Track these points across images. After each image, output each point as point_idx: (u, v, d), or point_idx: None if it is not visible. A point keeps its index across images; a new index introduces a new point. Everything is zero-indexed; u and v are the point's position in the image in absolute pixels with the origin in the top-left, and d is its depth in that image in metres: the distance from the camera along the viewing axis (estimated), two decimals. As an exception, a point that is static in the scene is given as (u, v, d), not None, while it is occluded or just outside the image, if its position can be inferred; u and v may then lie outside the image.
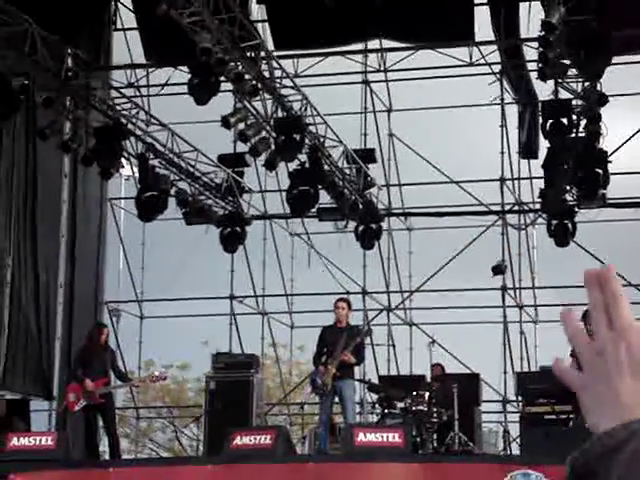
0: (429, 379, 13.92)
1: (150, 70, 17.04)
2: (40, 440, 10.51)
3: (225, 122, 13.67)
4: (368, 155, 16.44)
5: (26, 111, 14.62)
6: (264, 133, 14.27)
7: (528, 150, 16.91)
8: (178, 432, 20.76)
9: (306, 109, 14.51)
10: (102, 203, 17.99)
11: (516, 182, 17.68)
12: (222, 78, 12.91)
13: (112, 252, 18.59)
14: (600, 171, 14.04)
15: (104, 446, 12.87)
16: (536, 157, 16.77)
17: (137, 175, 15.44)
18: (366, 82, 18.00)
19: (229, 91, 14.10)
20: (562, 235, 15.19)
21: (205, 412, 14.41)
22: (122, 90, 15.87)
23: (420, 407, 12.70)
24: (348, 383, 11.50)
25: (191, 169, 15.58)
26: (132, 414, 20.53)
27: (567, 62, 13.24)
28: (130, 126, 14.71)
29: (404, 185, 18.70)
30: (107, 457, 12.35)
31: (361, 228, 16.53)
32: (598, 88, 13.60)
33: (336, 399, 11.63)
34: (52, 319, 16.18)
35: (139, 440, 21.86)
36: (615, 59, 14.06)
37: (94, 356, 12.04)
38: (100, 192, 17.74)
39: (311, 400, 18.84)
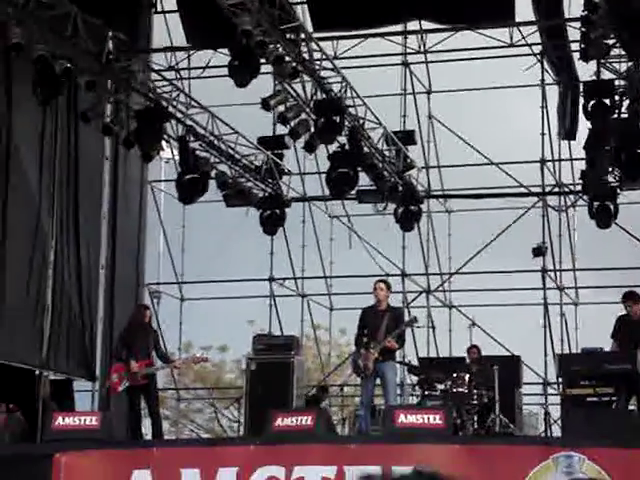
0: (468, 362, 13.92)
1: (190, 53, 17.09)
2: (84, 420, 10.60)
3: (265, 104, 13.69)
4: (407, 137, 16.41)
5: (68, 94, 14.73)
6: (304, 115, 14.27)
7: (568, 132, 16.80)
8: (218, 413, 20.89)
9: (345, 91, 14.49)
10: (143, 186, 18.08)
11: (557, 163, 17.58)
12: (262, 60, 12.92)
13: (152, 234, 18.71)
14: (643, 152, 13.92)
15: (146, 427, 12.96)
16: (574, 138, 16.67)
17: (177, 158, 15.50)
18: (405, 64, 17.95)
19: (269, 73, 14.10)
20: (604, 217, 15.09)
21: (246, 393, 14.47)
22: (162, 73, 15.92)
23: (460, 389, 12.71)
24: (390, 365, 11.50)
25: (231, 151, 15.64)
26: (172, 395, 20.67)
27: (610, 42, 13.10)
28: (170, 109, 14.77)
29: (443, 167, 18.65)
30: (149, 437, 12.45)
31: (400, 210, 16.51)
32: (641, 68, 13.48)
33: (377, 381, 11.64)
34: (94, 300, 16.31)
35: (179, 421, 22.02)
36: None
37: (137, 337, 12.12)
38: (141, 175, 17.83)
39: (351, 382, 18.92)
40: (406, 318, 12.22)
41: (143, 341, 12.06)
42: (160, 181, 19.09)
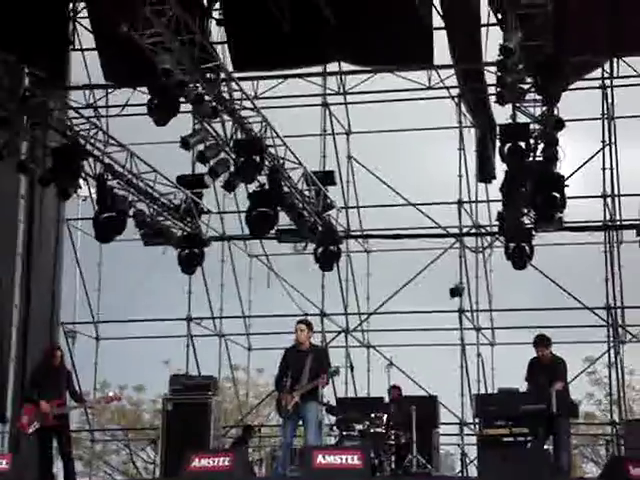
0: (387, 401, 13.94)
1: (109, 91, 16.98)
2: (-7, 463, 10.37)
3: (184, 143, 13.64)
4: (327, 177, 16.46)
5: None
6: (223, 154, 14.26)
7: (486, 174, 17.06)
8: (133, 455, 20.58)
9: (266, 131, 14.51)
10: (59, 224, 17.84)
11: (474, 205, 17.80)
12: (182, 99, 12.88)
13: (69, 273, 18.45)
14: (557, 195, 14.17)
15: (58, 469, 12.69)
16: (490, 181, 16.96)
17: (95, 196, 15.32)
18: (325, 105, 18.08)
19: (189, 112, 14.07)
20: (519, 258, 15.30)
21: (162, 434, 14.30)
22: (80, 110, 15.78)
23: (378, 429, 12.72)
24: (311, 406, 11.43)
25: (150, 190, 15.51)
26: (87, 436, 20.31)
27: (525, 86, 13.36)
28: (88, 147, 14.61)
29: (363, 207, 18.77)
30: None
31: (320, 250, 16.53)
32: (555, 113, 13.75)
33: (299, 422, 11.56)
34: (6, 340, 15.99)
35: (93, 463, 21.63)
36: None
37: (49, 377, 11.88)
38: (57, 213, 17.60)
39: (268, 422, 18.82)
40: (330, 358, 12.13)
41: (54, 381, 11.83)
42: (77, 219, 18.87)
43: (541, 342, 11.98)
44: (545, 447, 11.25)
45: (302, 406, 11.27)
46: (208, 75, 13.17)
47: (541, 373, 11.84)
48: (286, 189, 15.20)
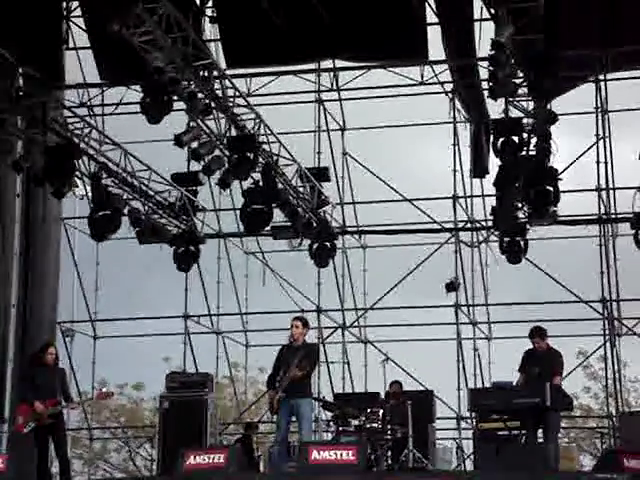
0: (384, 396, 13.96)
1: (103, 89, 17.01)
2: (-10, 462, 10.40)
3: (178, 141, 13.67)
4: (322, 173, 16.49)
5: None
6: (217, 152, 14.29)
7: (481, 169, 17.09)
8: (132, 452, 20.62)
9: (259, 128, 14.54)
10: (56, 223, 17.87)
11: (469, 200, 17.83)
12: (175, 97, 12.91)
13: (66, 272, 18.47)
14: (550, 189, 14.20)
15: (56, 468, 12.71)
16: (484, 176, 16.99)
17: (90, 194, 15.35)
18: (319, 101, 18.09)
19: (182, 110, 14.08)
20: (514, 252, 15.34)
21: (159, 432, 14.34)
22: (75, 109, 15.80)
23: (374, 424, 12.74)
24: (305, 402, 11.47)
25: (144, 188, 15.54)
26: (86, 435, 20.35)
27: (517, 81, 13.39)
28: (83, 145, 14.64)
29: (358, 203, 18.80)
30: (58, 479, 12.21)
31: (315, 246, 16.57)
32: (548, 107, 13.78)
33: (293, 418, 11.60)
34: (4, 340, 16.02)
35: (93, 462, 21.68)
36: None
37: (42, 376, 11.87)
38: (54, 212, 17.62)
39: (267, 419, 18.84)
40: (323, 355, 12.17)
41: (48, 380, 11.83)
42: (74, 218, 18.88)
43: (537, 333, 12.01)
44: (539, 440, 11.28)
45: (295, 403, 11.31)
46: (201, 72, 13.20)
47: (536, 364, 11.87)
48: (280, 186, 15.23)
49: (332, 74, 17.61)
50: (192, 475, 10.07)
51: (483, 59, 14.69)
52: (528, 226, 15.29)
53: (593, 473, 10.47)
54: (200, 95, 13.10)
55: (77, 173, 14.74)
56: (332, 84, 17.76)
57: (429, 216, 17.66)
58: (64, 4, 16.83)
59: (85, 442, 20.95)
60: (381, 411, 12.89)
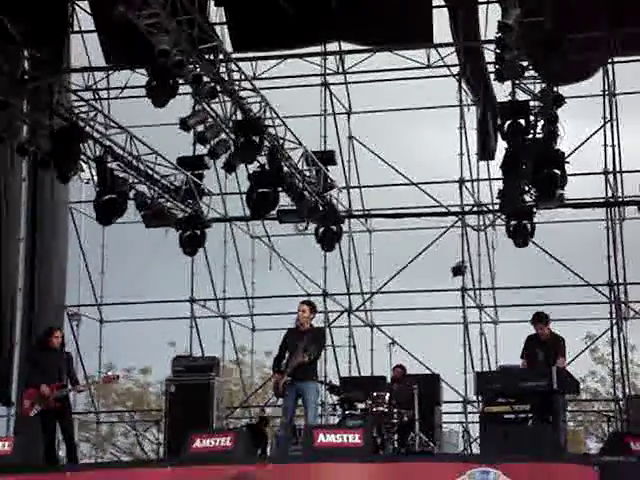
0: (390, 380, 13.97)
1: (109, 73, 16.97)
2: (-3, 445, 10.44)
3: (184, 124, 13.63)
4: (328, 157, 16.46)
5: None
6: (223, 135, 14.24)
7: (488, 152, 17.03)
8: (139, 436, 20.67)
9: (265, 111, 14.49)
10: (62, 206, 17.86)
11: (475, 183, 17.78)
12: (180, 80, 12.87)
13: (72, 256, 18.46)
14: (557, 172, 14.14)
15: (63, 451, 12.74)
16: (491, 159, 16.92)
17: (96, 178, 15.33)
18: (325, 84, 18.04)
19: (188, 93, 14.05)
20: (521, 236, 15.29)
21: (165, 415, 14.37)
22: (80, 93, 15.77)
23: (380, 408, 12.76)
24: (310, 385, 11.47)
25: (150, 172, 15.52)
26: (93, 418, 20.39)
27: (524, 63, 13.32)
28: (88, 129, 14.61)
29: (364, 187, 18.76)
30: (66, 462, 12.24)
31: (321, 230, 16.55)
32: (554, 90, 13.71)
33: (299, 401, 11.61)
34: (11, 324, 16.04)
35: (100, 445, 21.73)
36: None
37: (48, 360, 11.89)
38: (60, 196, 17.61)
39: (273, 403, 18.86)
40: (329, 339, 12.16)
41: (54, 364, 11.84)
42: (80, 202, 18.87)
43: (539, 319, 12.02)
44: (545, 424, 11.27)
45: (301, 386, 11.31)
46: (206, 56, 13.14)
47: (539, 350, 11.88)
48: (286, 169, 15.19)
49: (338, 57, 17.55)
50: (198, 458, 10.08)
51: (490, 41, 14.61)
52: (535, 209, 15.24)
53: (600, 456, 10.46)
54: (206, 78, 13.03)
55: (83, 157, 14.74)
56: (338, 67, 17.71)
57: (435, 200, 17.62)
58: (69, -13, 16.78)
59: (92, 425, 20.99)
60: (387, 395, 12.91)
